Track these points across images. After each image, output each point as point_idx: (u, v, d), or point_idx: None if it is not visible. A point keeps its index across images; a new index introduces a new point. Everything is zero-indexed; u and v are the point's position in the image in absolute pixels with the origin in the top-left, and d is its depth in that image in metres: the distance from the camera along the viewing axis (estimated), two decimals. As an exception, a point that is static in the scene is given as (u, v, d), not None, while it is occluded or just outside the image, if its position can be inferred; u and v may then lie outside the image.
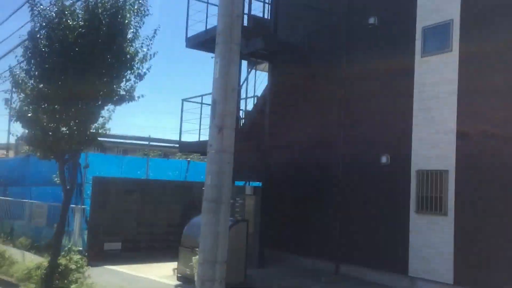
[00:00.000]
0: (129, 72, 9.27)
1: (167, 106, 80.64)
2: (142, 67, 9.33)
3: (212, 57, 14.94)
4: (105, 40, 8.88)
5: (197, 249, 10.15)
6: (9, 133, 47.08)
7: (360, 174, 11.03)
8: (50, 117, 9.18)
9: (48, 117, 9.20)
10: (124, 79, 9.24)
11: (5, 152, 26.04)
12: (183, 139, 14.20)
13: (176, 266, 11.40)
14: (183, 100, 13.88)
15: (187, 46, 13.99)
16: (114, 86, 9.18)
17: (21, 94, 9.43)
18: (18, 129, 10.31)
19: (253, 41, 11.60)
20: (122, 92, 9.28)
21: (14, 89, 9.45)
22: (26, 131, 9.65)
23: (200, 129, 13.18)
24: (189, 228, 10.76)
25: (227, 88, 6.39)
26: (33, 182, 17.16)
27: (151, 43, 9.32)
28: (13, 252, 11.21)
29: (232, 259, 9.79)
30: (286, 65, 12.41)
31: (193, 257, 8.87)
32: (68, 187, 9.73)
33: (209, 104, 14.22)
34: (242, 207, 12.11)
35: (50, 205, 14.41)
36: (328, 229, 11.53)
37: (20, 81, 9.29)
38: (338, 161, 11.44)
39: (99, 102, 9.23)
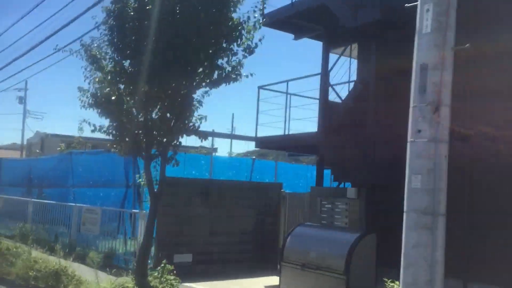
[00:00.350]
0: (235, 44, 7.32)
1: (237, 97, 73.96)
2: (252, 38, 7.36)
3: (293, 39, 13.10)
4: (210, 2, 6.93)
5: (308, 269, 8.28)
6: (23, 132, 45.54)
7: (495, 172, 8.97)
8: (138, 101, 7.24)
9: (135, 101, 7.26)
10: (230, 53, 7.28)
11: (37, 151, 24.16)
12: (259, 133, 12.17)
13: (268, 283, 9.48)
14: (259, 87, 11.92)
15: (263, 24, 11.99)
16: (219, 61, 7.23)
17: (97, 72, 7.50)
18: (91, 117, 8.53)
19: (364, 12, 9.58)
20: (229, 69, 7.31)
21: (88, 67, 7.51)
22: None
23: (285, 122, 11.22)
24: (295, 239, 8.77)
25: (444, 47, 4.40)
26: (76, 183, 15.27)
27: (264, 7, 7.36)
28: (75, 267, 9.30)
29: (361, 280, 7.85)
30: (396, 42, 10.33)
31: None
32: (156, 190, 7.80)
33: (290, 94, 12.34)
34: (343, 214, 10.07)
35: (104, 209, 12.48)
36: (453, 240, 9.45)
37: (99, 56, 7.36)
38: (466, 158, 9.37)
39: (196, 82, 7.27)
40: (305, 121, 11.98)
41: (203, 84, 7.28)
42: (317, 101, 12.02)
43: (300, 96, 11.86)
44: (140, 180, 8.32)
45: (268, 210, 12.50)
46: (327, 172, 17.70)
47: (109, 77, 7.23)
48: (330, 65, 12.44)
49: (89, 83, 7.51)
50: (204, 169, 14.71)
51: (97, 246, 12.53)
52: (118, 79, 7.13)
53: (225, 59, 7.26)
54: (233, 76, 7.32)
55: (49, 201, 14.96)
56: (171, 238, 11.21)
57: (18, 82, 44.57)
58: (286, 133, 11.41)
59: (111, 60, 7.26)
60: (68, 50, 7.74)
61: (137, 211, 11.63)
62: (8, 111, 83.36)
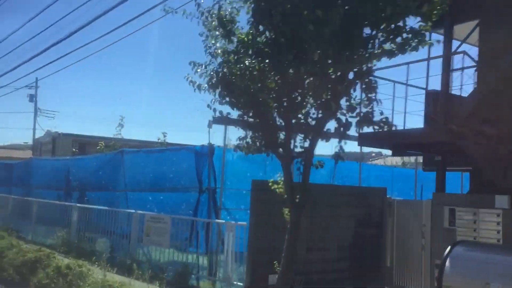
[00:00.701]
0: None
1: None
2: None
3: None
4: None
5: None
6: (34, 131, 43.44)
7: None
8: (283, 79, 5.27)
9: (282, 78, 5.29)
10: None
11: (74, 149, 22.25)
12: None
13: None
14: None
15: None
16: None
17: (221, 39, 5.56)
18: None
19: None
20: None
21: (213, 33, 5.56)
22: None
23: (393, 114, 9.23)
24: (459, 264, 6.75)
25: None
26: (130, 187, 13.34)
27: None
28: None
29: None
30: None
31: None
32: (297, 199, 5.86)
33: (408, 84, 10.22)
34: (494, 228, 8.08)
35: (174, 218, 10.52)
36: None
37: (229, 18, 5.42)
38: None
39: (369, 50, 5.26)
40: (400, 114, 9.97)
41: (377, 53, 5.26)
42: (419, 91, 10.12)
43: (410, 85, 9.85)
44: (275, 187, 6.36)
45: (369, 221, 10.49)
46: (399, 173, 15.66)
47: (245, 48, 5.26)
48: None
49: (211, 56, 5.56)
50: (269, 170, 12.55)
51: (172, 263, 10.56)
52: (262, 47, 5.15)
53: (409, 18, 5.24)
54: (413, 43, 5.29)
55: (99, 207, 13.02)
56: (265, 254, 9.23)
57: (31, 82, 42.44)
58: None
59: (249, 22, 5.29)
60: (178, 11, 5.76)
61: (222, 221, 9.70)
62: (19, 110, 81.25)
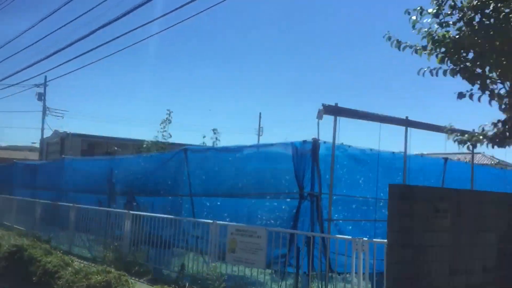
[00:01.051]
0: None
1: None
2: None
3: None
4: None
5: None
6: (42, 131, 41.25)
7: None
8: None
9: None
10: None
11: (116, 148, 20.19)
12: None
13: None
14: None
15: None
16: None
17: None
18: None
19: None
20: None
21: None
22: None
23: None
24: None
25: None
26: (196, 191, 11.23)
27: None
28: None
29: None
30: None
31: None
32: None
33: None
34: None
35: (271, 230, 8.40)
36: None
37: None
38: None
39: None
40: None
41: None
42: None
43: None
44: None
45: (516, 235, 8.36)
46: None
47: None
48: None
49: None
50: (382, 172, 10.25)
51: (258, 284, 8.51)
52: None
53: None
54: None
55: (159, 215, 10.91)
56: (409, 280, 7.12)
57: (41, 83, 40.37)
58: None
59: None
60: None
61: (348, 237, 7.57)
62: (25, 110, 78.97)
